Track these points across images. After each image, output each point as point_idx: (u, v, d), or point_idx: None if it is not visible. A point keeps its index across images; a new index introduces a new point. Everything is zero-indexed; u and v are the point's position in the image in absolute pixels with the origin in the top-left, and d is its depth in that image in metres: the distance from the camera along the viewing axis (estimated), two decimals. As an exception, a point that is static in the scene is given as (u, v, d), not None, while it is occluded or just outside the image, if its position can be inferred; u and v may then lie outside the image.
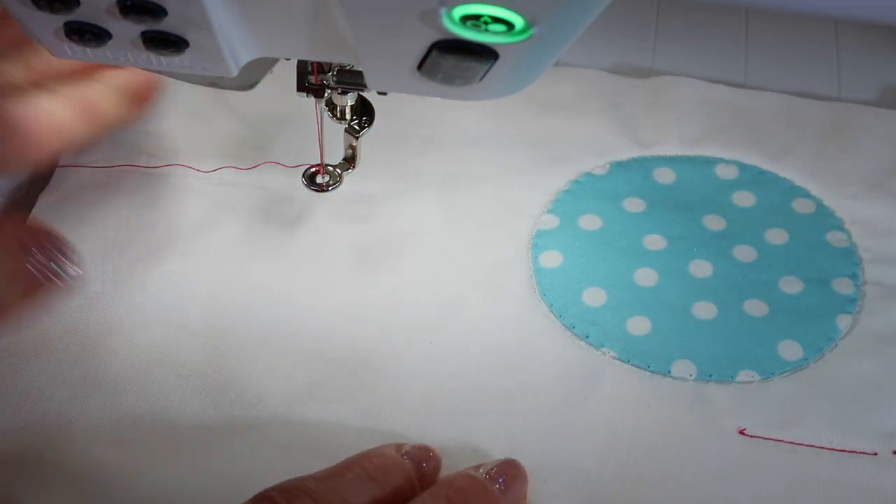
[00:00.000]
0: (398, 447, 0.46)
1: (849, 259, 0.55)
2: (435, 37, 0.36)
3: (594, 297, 0.54)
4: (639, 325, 0.53)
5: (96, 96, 0.50)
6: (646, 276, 0.55)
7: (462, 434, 0.49)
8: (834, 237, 0.56)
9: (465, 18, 0.34)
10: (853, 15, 0.32)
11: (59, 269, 0.44)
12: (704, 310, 0.53)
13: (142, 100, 0.51)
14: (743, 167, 0.60)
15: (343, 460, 0.44)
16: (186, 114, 0.62)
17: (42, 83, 0.48)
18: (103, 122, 0.50)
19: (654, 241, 0.56)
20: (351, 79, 0.49)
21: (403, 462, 0.45)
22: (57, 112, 0.48)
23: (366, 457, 0.44)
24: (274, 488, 0.41)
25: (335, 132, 0.54)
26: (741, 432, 0.49)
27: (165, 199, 0.58)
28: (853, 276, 0.55)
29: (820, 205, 0.58)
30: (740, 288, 0.54)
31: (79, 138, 0.50)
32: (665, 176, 0.59)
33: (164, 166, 0.59)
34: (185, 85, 0.63)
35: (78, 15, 0.39)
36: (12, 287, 0.43)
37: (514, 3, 0.34)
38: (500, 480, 0.45)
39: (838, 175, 0.59)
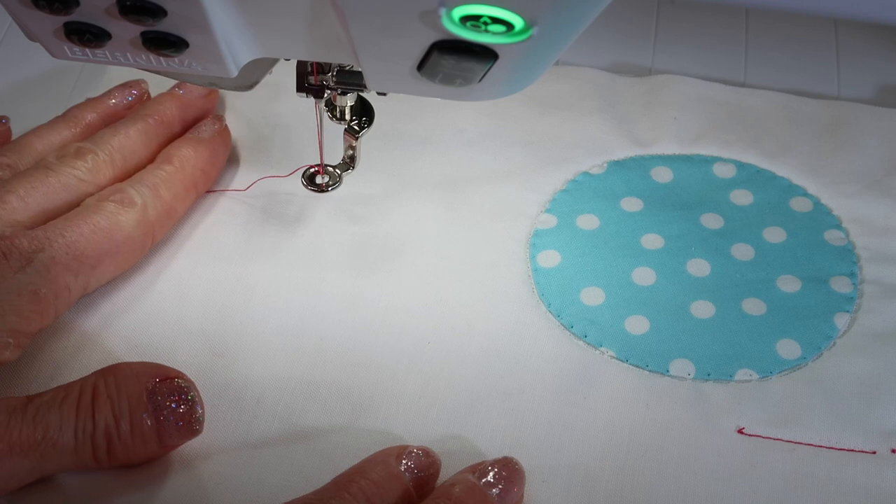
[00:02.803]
0: (398, 454, 0.45)
1: (847, 258, 0.55)
2: (435, 37, 0.36)
3: (592, 296, 0.54)
4: (637, 325, 0.53)
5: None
6: (644, 276, 0.55)
7: (461, 434, 0.49)
8: (832, 236, 0.56)
9: (465, 19, 0.34)
10: (853, 15, 0.32)
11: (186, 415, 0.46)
12: (702, 309, 0.53)
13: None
14: (741, 166, 0.60)
15: (341, 474, 0.44)
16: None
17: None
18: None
19: (652, 241, 0.56)
20: (350, 79, 0.49)
21: (402, 476, 0.44)
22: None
23: (363, 471, 0.44)
24: None
25: (335, 132, 0.54)
26: (740, 431, 0.49)
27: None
28: (851, 275, 0.55)
29: (818, 203, 0.58)
30: (738, 287, 0.54)
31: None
32: (663, 175, 0.59)
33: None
34: (184, 85, 0.63)
35: (77, 15, 0.39)
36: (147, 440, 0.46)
37: (514, 3, 0.34)
38: (500, 486, 0.45)
39: (836, 173, 0.59)
